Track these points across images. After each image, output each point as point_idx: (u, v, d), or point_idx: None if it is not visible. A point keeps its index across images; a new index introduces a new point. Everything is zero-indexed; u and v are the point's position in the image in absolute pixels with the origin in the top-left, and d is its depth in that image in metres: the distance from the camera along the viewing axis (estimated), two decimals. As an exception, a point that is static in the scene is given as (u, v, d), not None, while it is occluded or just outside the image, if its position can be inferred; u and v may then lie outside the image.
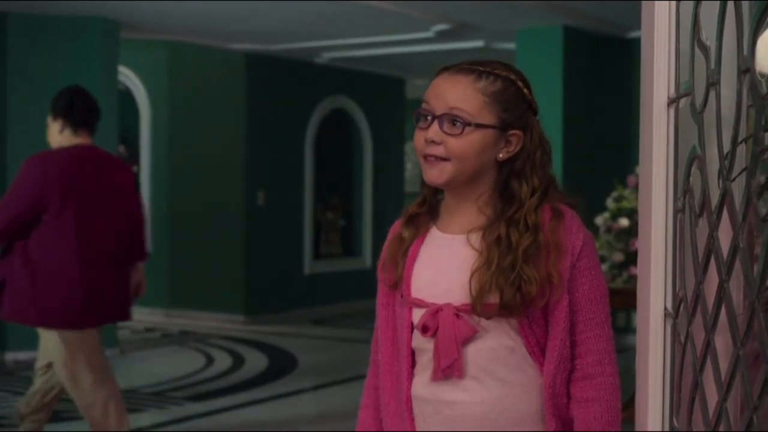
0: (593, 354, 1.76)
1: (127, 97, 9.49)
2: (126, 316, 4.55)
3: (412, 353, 1.85)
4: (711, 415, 1.12)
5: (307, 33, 8.55)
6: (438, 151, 1.77)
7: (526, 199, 1.78)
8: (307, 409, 6.15)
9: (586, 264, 1.77)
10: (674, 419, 1.31)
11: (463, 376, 1.77)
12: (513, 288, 1.72)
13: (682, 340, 1.25)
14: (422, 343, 1.82)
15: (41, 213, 4.16)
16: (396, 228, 1.92)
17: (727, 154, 1.09)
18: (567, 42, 7.86)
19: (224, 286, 9.43)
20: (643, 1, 1.40)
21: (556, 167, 7.96)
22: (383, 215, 10.45)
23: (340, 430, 5.21)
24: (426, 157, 1.79)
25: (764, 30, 1.00)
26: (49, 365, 4.38)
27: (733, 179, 1.09)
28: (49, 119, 4.33)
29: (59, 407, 4.88)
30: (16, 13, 7.25)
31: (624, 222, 5.66)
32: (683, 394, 1.26)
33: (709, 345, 1.13)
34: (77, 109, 4.28)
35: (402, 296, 1.85)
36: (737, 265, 1.06)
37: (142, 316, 9.52)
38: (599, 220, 5.75)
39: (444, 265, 1.81)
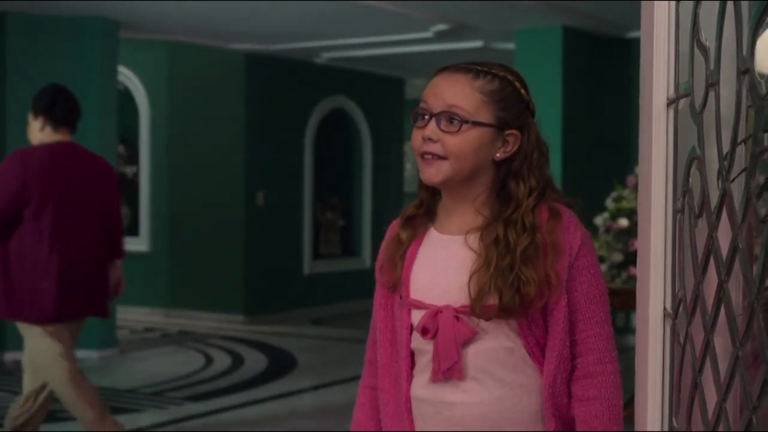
0: (594, 353, 1.76)
1: (126, 97, 9.49)
2: (103, 312, 4.53)
3: (412, 354, 1.85)
4: (710, 416, 1.12)
5: (306, 33, 8.55)
6: (435, 148, 1.77)
7: (524, 199, 1.78)
8: (306, 409, 6.14)
9: (584, 263, 1.77)
10: (673, 419, 1.31)
11: (463, 377, 1.77)
12: (512, 289, 1.72)
13: (682, 340, 1.25)
14: (422, 345, 1.81)
15: (23, 208, 4.18)
16: (393, 229, 1.92)
17: (726, 154, 1.09)
18: (566, 42, 7.86)
19: (224, 286, 9.43)
20: (642, 2, 1.40)
21: (556, 167, 7.95)
22: (383, 215, 10.45)
23: (340, 430, 5.21)
24: (423, 155, 1.79)
25: (763, 30, 1.00)
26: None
27: (733, 180, 1.09)
28: (30, 117, 4.37)
29: (57, 407, 4.87)
30: (15, 12, 7.25)
31: (623, 222, 5.66)
32: (682, 394, 1.26)
33: (708, 345, 1.13)
34: (59, 107, 4.31)
35: (401, 298, 1.85)
36: (736, 265, 1.06)
37: (141, 316, 9.52)
38: (599, 220, 5.75)
39: (442, 266, 1.81)
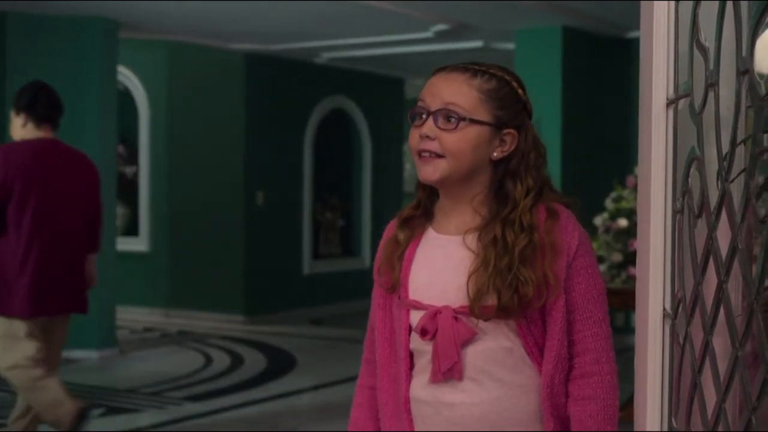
0: (591, 353, 1.77)
1: (126, 97, 9.49)
2: (82, 308, 4.53)
3: (410, 355, 1.85)
4: (710, 416, 1.12)
5: (306, 33, 8.55)
6: (432, 146, 1.77)
7: (521, 199, 1.78)
8: (306, 409, 6.14)
9: (582, 263, 1.78)
10: (673, 420, 1.31)
11: (462, 377, 1.77)
12: (510, 290, 1.72)
13: (681, 340, 1.25)
14: (421, 346, 1.82)
15: (5, 202, 4.20)
16: (390, 230, 1.92)
17: (725, 155, 1.09)
18: (566, 42, 7.86)
19: (223, 286, 9.43)
20: (642, 2, 1.40)
21: (555, 167, 7.96)
22: (382, 215, 10.45)
23: (339, 430, 5.21)
24: (420, 153, 1.79)
25: (763, 31, 1.00)
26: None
27: (732, 180, 1.09)
28: (12, 114, 4.39)
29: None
30: (15, 12, 7.25)
31: (623, 222, 5.66)
32: (682, 394, 1.26)
33: (707, 346, 1.13)
34: (41, 104, 4.34)
35: (399, 298, 1.85)
36: (736, 266, 1.06)
37: (141, 316, 9.53)
38: (598, 220, 5.75)
39: (440, 266, 1.81)
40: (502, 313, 1.73)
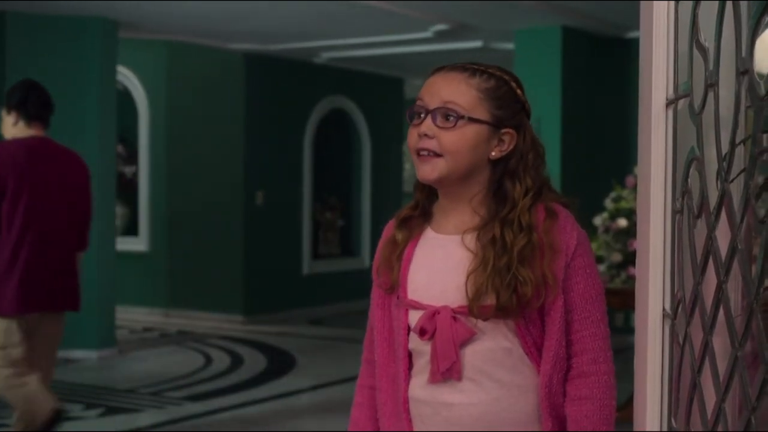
0: (588, 353, 1.76)
1: (125, 97, 9.49)
2: (74, 306, 4.53)
3: (409, 355, 1.85)
4: (709, 416, 1.12)
5: (306, 33, 8.55)
6: (431, 145, 1.77)
7: (519, 199, 1.78)
8: (305, 409, 6.14)
9: (580, 263, 1.77)
10: (672, 420, 1.31)
11: (461, 378, 1.77)
12: (509, 290, 1.72)
13: (681, 340, 1.25)
14: (419, 346, 1.81)
15: None
16: (388, 231, 1.92)
17: (725, 155, 1.09)
18: (566, 42, 7.86)
19: (223, 286, 9.43)
20: (641, 2, 1.40)
21: (555, 167, 7.95)
22: (382, 215, 10.44)
23: (339, 430, 5.21)
24: (419, 152, 1.79)
25: (763, 31, 1.00)
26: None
27: (732, 180, 1.09)
28: (3, 112, 4.42)
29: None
30: (15, 12, 7.25)
31: (622, 222, 5.66)
32: (681, 394, 1.26)
33: (707, 346, 1.13)
34: (31, 103, 4.37)
35: (398, 298, 1.85)
36: (735, 266, 1.06)
37: (140, 315, 9.53)
38: (598, 220, 5.75)
39: (438, 265, 1.81)
40: (500, 312, 1.73)
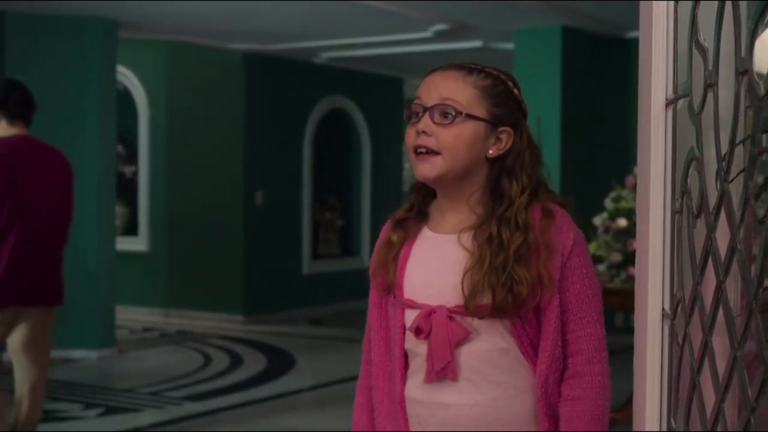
0: (583, 353, 1.76)
1: (125, 97, 9.49)
2: (59, 300, 4.53)
3: (405, 354, 1.85)
4: (708, 416, 1.12)
5: (306, 33, 8.56)
6: (429, 142, 1.77)
7: (516, 197, 1.78)
8: (305, 409, 6.14)
9: (577, 263, 1.77)
10: (672, 420, 1.31)
11: (457, 378, 1.77)
12: (505, 289, 1.72)
13: (680, 340, 1.25)
14: (415, 345, 1.82)
15: None
16: (385, 232, 1.92)
17: (724, 155, 1.09)
18: (565, 42, 7.86)
19: (223, 285, 9.43)
20: (641, 2, 1.40)
21: (555, 167, 7.94)
22: (381, 215, 10.34)
23: (339, 430, 5.21)
24: (417, 150, 1.79)
25: (762, 31, 1.00)
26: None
27: (731, 180, 1.09)
28: None
29: (53, 407, 4.87)
30: (15, 12, 7.25)
31: (622, 222, 5.66)
32: (681, 394, 1.26)
33: (706, 346, 1.13)
34: (13, 102, 4.39)
35: (395, 297, 1.85)
36: (735, 266, 1.06)
37: (140, 315, 9.53)
38: (597, 220, 5.76)
39: (435, 265, 1.81)
40: (496, 312, 1.73)
